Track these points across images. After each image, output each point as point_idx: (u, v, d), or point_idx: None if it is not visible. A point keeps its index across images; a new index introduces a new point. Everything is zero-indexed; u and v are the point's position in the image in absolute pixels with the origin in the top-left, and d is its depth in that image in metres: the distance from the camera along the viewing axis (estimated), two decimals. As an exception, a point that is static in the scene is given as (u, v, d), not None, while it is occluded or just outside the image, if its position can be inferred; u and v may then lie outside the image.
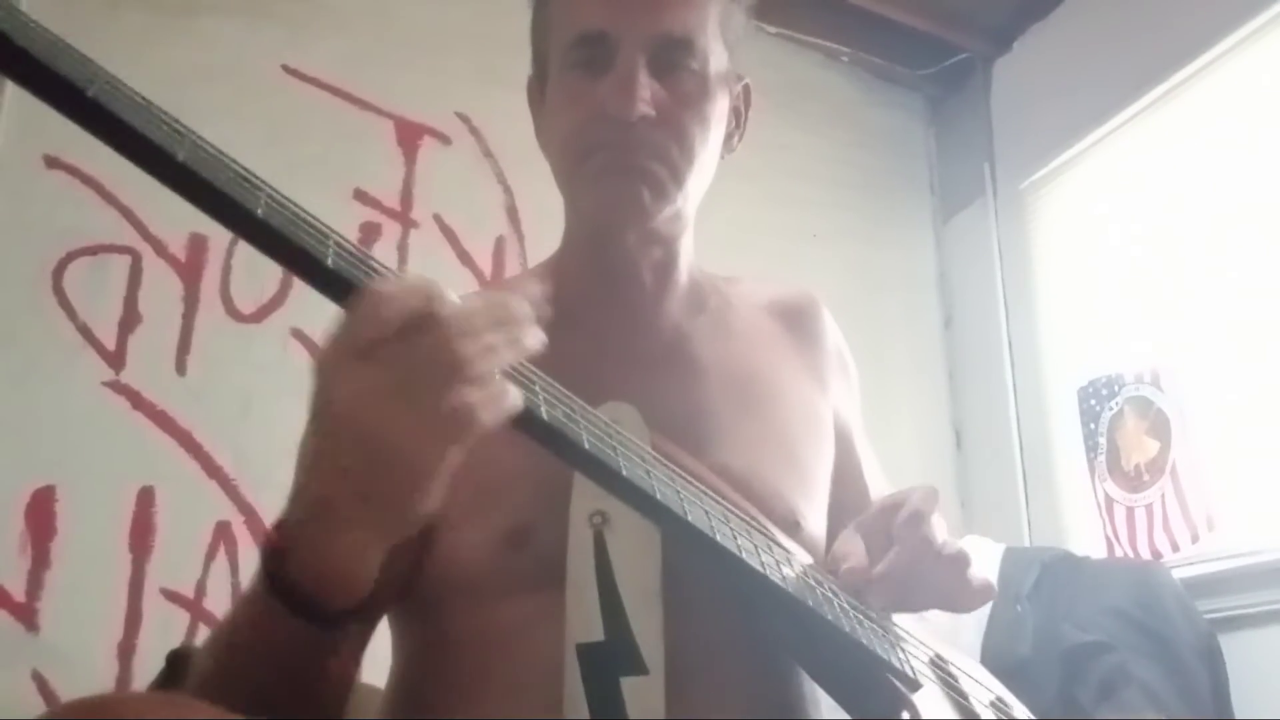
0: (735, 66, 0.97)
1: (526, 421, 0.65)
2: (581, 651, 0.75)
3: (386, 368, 0.57)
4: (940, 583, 0.84)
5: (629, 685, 0.74)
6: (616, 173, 0.89)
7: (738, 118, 1.00)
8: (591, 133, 0.89)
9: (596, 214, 0.92)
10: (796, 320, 1.08)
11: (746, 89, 1.00)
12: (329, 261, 0.60)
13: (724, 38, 0.95)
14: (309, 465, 0.62)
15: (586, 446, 0.67)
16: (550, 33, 0.95)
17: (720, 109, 0.95)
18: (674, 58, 0.90)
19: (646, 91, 0.87)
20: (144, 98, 0.57)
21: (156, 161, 0.56)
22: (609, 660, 0.75)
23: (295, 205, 0.61)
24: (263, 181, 0.60)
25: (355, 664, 0.77)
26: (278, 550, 0.64)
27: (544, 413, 0.65)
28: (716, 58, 0.93)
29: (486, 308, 0.61)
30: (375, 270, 0.62)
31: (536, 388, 0.66)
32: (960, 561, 0.84)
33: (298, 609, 0.64)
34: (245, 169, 0.60)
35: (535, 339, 0.63)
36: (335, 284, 0.60)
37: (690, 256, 1.00)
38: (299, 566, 0.63)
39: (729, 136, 0.99)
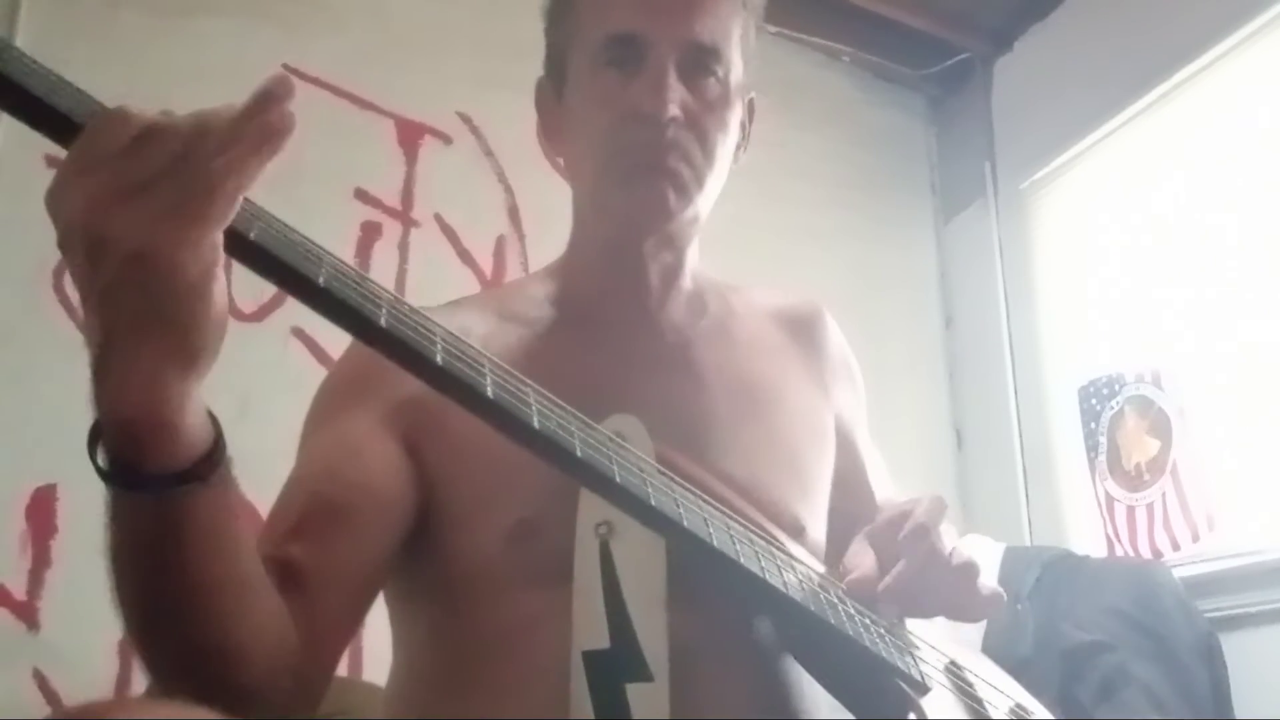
0: (747, 80, 0.98)
1: (518, 430, 0.65)
2: (587, 659, 0.76)
3: (115, 174, 0.55)
4: (948, 593, 0.85)
5: (634, 692, 0.74)
6: (646, 171, 0.90)
7: (744, 130, 1.01)
8: (623, 132, 0.90)
9: (624, 212, 0.93)
10: (800, 327, 1.08)
11: (752, 103, 1.01)
12: (320, 281, 0.60)
13: (743, 51, 0.96)
14: (85, 311, 0.58)
15: (579, 455, 0.67)
16: (576, 34, 0.95)
17: (737, 118, 0.96)
18: (701, 64, 0.92)
19: (676, 94, 0.88)
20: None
21: None
22: (614, 667, 0.75)
23: (285, 225, 0.61)
24: (258, 209, 0.60)
25: (234, 552, 0.68)
26: (93, 431, 0.61)
27: (535, 422, 0.65)
28: (736, 69, 0.95)
29: (229, 112, 0.58)
30: (365, 286, 0.63)
31: (529, 397, 0.66)
32: (968, 571, 0.84)
33: (128, 481, 0.61)
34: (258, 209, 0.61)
35: (284, 122, 0.58)
36: (327, 301, 0.61)
37: (695, 262, 1.00)
38: (112, 433, 0.61)
39: (736, 148, 1.00)
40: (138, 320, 0.57)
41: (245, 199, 0.59)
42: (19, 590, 2.08)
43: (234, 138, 0.56)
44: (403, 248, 2.61)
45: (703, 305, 1.01)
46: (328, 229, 2.49)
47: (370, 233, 2.58)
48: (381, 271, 2.58)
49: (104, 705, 0.59)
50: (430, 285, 2.38)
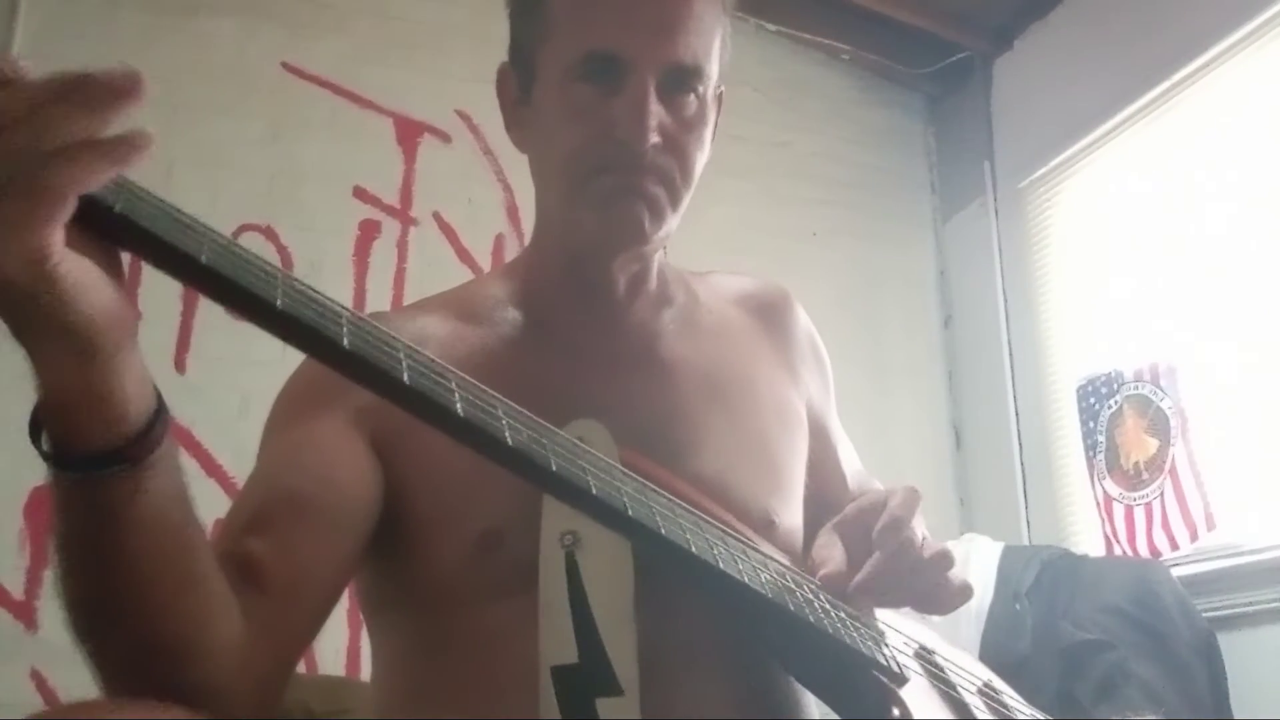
0: (720, 78, 0.97)
1: (491, 446, 0.63)
2: (556, 674, 0.75)
3: None
4: (920, 586, 0.85)
5: (604, 706, 0.74)
6: (622, 195, 0.88)
7: (712, 129, 1.00)
8: (599, 152, 0.88)
9: (596, 233, 0.91)
10: (767, 313, 1.07)
11: (721, 96, 1.00)
12: (279, 303, 0.56)
13: (720, 60, 0.95)
14: None
15: (554, 469, 0.66)
16: (550, 37, 0.92)
17: (711, 127, 0.95)
18: (682, 84, 0.90)
19: (656, 119, 0.87)
20: None
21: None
22: (584, 682, 0.75)
23: (243, 250, 0.57)
24: (205, 227, 0.56)
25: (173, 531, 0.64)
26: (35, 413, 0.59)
27: (508, 437, 0.64)
28: (714, 79, 0.94)
29: (57, 81, 0.49)
30: (320, 300, 0.59)
31: (499, 412, 0.65)
32: (938, 565, 0.84)
33: (62, 461, 0.59)
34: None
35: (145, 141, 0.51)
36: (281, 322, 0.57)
37: (660, 258, 0.99)
38: (47, 413, 0.59)
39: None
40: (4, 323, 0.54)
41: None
42: (17, 590, 2.08)
43: (75, 135, 0.49)
44: (401, 246, 2.61)
45: (668, 297, 1.00)
46: (327, 227, 2.50)
47: (369, 231, 2.58)
48: (380, 270, 2.58)
49: (88, 706, 0.58)
50: (429, 284, 2.37)
